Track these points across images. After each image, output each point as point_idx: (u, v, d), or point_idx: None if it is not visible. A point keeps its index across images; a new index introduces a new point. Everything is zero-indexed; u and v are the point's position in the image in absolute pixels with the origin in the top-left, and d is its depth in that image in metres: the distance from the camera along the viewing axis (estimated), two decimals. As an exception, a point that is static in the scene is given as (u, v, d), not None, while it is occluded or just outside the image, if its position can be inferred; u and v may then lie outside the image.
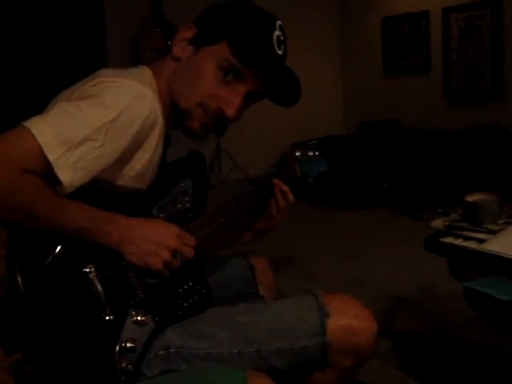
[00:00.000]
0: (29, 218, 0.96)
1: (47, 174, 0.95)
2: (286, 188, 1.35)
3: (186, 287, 1.17)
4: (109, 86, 1.06)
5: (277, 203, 1.34)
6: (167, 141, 1.24)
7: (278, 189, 1.34)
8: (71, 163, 0.96)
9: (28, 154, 0.93)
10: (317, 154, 1.49)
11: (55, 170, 0.94)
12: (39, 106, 1.15)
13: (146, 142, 1.11)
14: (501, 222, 1.65)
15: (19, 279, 0.98)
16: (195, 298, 1.18)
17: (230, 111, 1.17)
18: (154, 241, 1.06)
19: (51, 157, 0.94)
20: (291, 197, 1.35)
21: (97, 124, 0.99)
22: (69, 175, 0.96)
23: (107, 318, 1.03)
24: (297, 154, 1.47)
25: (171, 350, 1.10)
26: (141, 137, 1.08)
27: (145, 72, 1.19)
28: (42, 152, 0.93)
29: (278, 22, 1.18)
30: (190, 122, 1.19)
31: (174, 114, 1.20)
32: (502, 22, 4.40)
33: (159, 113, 1.11)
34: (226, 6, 1.21)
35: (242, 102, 1.17)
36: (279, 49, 1.17)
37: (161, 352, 1.10)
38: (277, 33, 1.17)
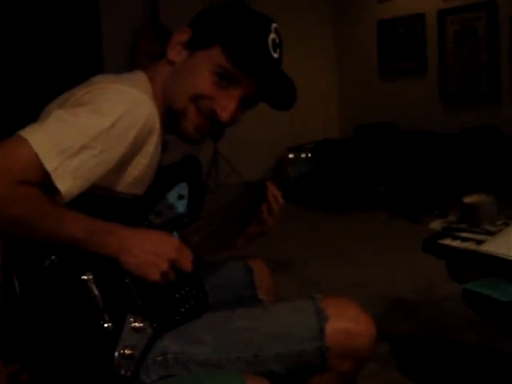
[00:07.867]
0: (25, 229, 0.95)
1: (45, 183, 0.95)
2: (277, 192, 1.34)
3: (182, 292, 1.16)
4: (105, 92, 1.05)
5: (269, 207, 1.33)
6: (163, 146, 1.23)
7: (270, 193, 1.33)
8: (70, 172, 0.95)
9: (25, 165, 0.93)
10: (309, 155, 1.49)
11: (54, 179, 0.94)
12: (36, 111, 1.14)
13: (144, 148, 1.10)
14: (499, 222, 1.65)
15: (17, 286, 0.97)
16: (192, 302, 1.17)
17: (225, 115, 1.16)
18: (153, 251, 1.05)
19: (49, 167, 0.93)
20: (281, 200, 1.34)
21: (94, 131, 0.99)
22: (67, 184, 0.95)
23: (106, 325, 1.02)
24: (290, 156, 1.47)
25: (169, 356, 1.10)
26: (138, 143, 1.08)
27: (140, 77, 1.18)
28: (40, 162, 0.93)
29: (274, 25, 1.17)
30: (184, 124, 1.18)
31: (170, 118, 1.19)
32: (497, 24, 4.41)
33: (156, 118, 1.10)
34: (220, 8, 1.20)
35: (236, 106, 1.17)
36: (275, 52, 1.17)
37: (158, 358, 1.09)
38: (272, 36, 1.16)
